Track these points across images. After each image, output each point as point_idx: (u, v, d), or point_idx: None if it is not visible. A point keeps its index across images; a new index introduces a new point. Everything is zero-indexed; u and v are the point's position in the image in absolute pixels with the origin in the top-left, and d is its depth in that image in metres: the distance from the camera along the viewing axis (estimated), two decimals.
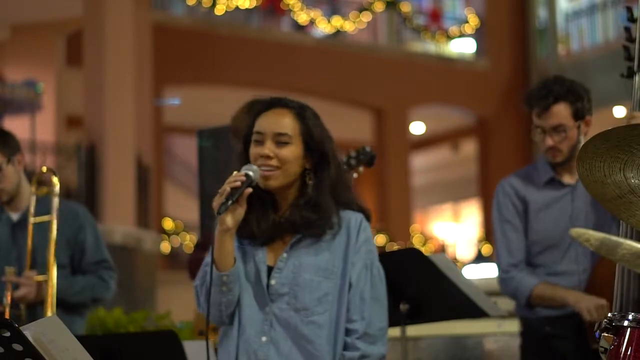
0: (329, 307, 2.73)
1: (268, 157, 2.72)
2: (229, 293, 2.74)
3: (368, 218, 2.86)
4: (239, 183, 2.67)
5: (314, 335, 2.71)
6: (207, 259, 2.81)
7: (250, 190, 2.69)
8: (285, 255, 2.75)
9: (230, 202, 2.65)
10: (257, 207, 2.77)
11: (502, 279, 3.73)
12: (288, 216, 2.76)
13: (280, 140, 2.73)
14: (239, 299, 2.76)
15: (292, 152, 2.74)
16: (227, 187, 2.67)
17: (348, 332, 2.73)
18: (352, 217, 2.79)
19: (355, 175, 3.58)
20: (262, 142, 2.74)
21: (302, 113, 2.78)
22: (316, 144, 2.77)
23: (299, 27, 15.23)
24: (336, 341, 2.72)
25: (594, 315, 3.45)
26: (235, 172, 2.71)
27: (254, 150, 2.75)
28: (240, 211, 2.70)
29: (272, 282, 2.74)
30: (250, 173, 2.69)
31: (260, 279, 2.75)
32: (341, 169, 2.83)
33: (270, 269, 2.76)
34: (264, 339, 2.72)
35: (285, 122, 2.75)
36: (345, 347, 2.73)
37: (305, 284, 2.72)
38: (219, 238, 2.71)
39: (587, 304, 3.49)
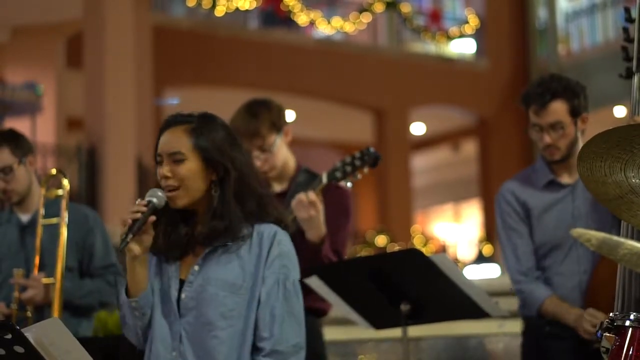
0: (234, 323, 2.69)
1: (167, 177, 2.72)
2: (142, 317, 2.74)
3: (286, 227, 2.81)
4: (139, 215, 2.66)
5: (214, 351, 2.67)
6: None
7: (154, 218, 2.68)
8: (197, 268, 2.73)
9: (130, 236, 2.65)
10: (166, 224, 2.76)
11: (514, 289, 3.73)
12: (198, 229, 2.74)
13: (175, 159, 2.72)
14: (151, 315, 2.75)
15: (189, 168, 2.72)
16: (128, 219, 2.66)
17: (256, 350, 2.69)
18: (265, 230, 2.75)
19: (359, 176, 3.57)
20: (161, 162, 2.75)
21: (198, 127, 2.75)
22: (212, 156, 2.74)
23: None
24: (239, 358, 2.68)
25: (591, 330, 3.45)
26: (138, 200, 2.70)
27: (158, 171, 2.76)
28: (148, 238, 2.69)
29: (183, 295, 2.73)
30: (154, 200, 2.69)
31: (171, 293, 2.74)
32: (245, 178, 2.77)
33: (182, 283, 2.75)
34: (174, 354, 2.70)
35: (177, 141, 2.73)
36: None
37: (211, 298, 2.69)
38: (129, 265, 2.71)
39: (580, 324, 3.49)
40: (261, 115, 3.71)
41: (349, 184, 3.59)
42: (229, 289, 2.70)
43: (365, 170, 3.55)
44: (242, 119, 3.71)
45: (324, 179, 3.56)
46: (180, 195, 2.72)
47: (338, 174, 3.55)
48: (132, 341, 2.81)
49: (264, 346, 2.68)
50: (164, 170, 2.72)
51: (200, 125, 2.76)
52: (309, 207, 3.52)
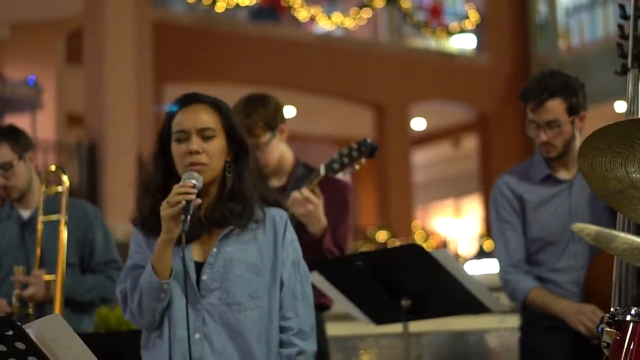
0: (260, 303, 2.72)
1: (197, 153, 2.69)
2: (164, 299, 2.72)
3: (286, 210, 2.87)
4: (193, 195, 2.64)
5: (246, 331, 2.70)
6: (129, 263, 2.80)
7: (200, 201, 2.68)
8: (215, 250, 2.73)
9: (189, 216, 2.64)
10: None
11: (502, 279, 3.73)
12: (213, 211, 2.74)
13: (205, 134, 2.71)
14: (170, 299, 2.74)
15: (218, 146, 2.73)
16: (181, 200, 2.63)
17: (283, 329, 2.74)
18: (277, 214, 2.80)
19: (357, 167, 3.58)
20: (186, 139, 2.71)
21: (219, 106, 2.77)
22: (237, 135, 2.76)
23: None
24: (268, 338, 2.72)
25: (590, 326, 3.45)
26: (181, 182, 2.67)
27: (179, 148, 2.72)
28: (187, 222, 2.68)
29: (204, 277, 2.72)
30: (195, 182, 2.67)
31: (190, 275, 2.72)
32: (257, 161, 2.82)
33: (198, 265, 2.74)
34: (197, 336, 2.69)
35: (206, 117, 2.73)
36: (282, 344, 2.73)
37: (237, 279, 2.71)
38: (162, 246, 2.69)
39: (579, 318, 3.49)
40: (256, 115, 3.69)
41: (347, 176, 3.60)
42: (253, 270, 2.73)
43: (363, 161, 3.55)
44: (237, 117, 3.70)
45: (322, 171, 3.57)
46: (205, 171, 2.71)
47: (336, 166, 3.56)
48: (141, 324, 2.77)
49: (292, 325, 2.74)
50: (194, 145, 2.69)
51: (220, 105, 2.78)
52: (305, 203, 3.53)
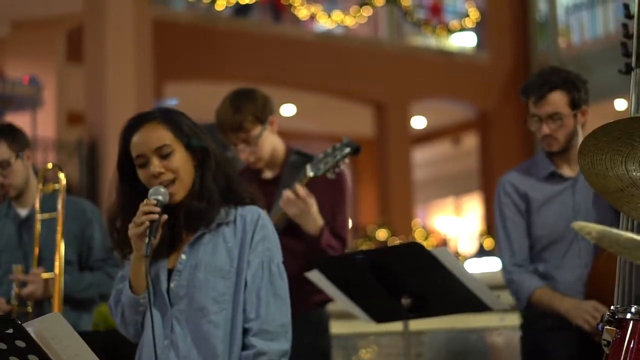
0: (226, 307, 2.71)
1: (160, 174, 2.70)
2: (144, 311, 2.75)
3: (261, 208, 2.83)
4: (156, 215, 2.65)
5: (210, 335, 2.69)
6: (120, 272, 2.82)
7: (166, 217, 2.69)
8: (184, 257, 2.75)
9: (153, 238, 2.65)
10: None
11: (506, 279, 3.73)
12: (180, 216, 2.74)
13: (162, 153, 2.71)
14: None
15: (179, 158, 2.72)
16: (145, 221, 2.65)
17: (245, 331, 2.72)
18: (249, 214, 2.78)
19: (342, 167, 3.58)
20: (146, 163, 2.72)
21: (169, 118, 2.76)
22: (195, 140, 2.75)
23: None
24: (232, 341, 2.71)
25: (592, 322, 3.45)
26: (145, 201, 2.68)
27: (143, 173, 2.73)
28: (157, 236, 2.70)
29: (172, 285, 2.74)
30: (160, 198, 2.68)
31: (161, 283, 2.75)
32: (222, 160, 2.80)
33: (170, 272, 2.76)
34: (165, 342, 2.71)
35: (158, 135, 2.73)
36: (244, 347, 2.71)
37: (201, 284, 2.71)
38: (136, 264, 2.70)
39: (581, 314, 3.49)
40: (244, 109, 3.69)
41: (332, 176, 3.60)
42: (219, 273, 2.72)
43: (346, 160, 3.56)
44: (226, 113, 3.71)
45: (309, 172, 3.57)
46: (177, 189, 2.72)
47: (322, 166, 3.56)
48: (129, 337, 2.82)
49: (252, 326, 2.71)
50: (155, 167, 2.71)
51: (168, 116, 2.77)
52: (298, 202, 3.52)
